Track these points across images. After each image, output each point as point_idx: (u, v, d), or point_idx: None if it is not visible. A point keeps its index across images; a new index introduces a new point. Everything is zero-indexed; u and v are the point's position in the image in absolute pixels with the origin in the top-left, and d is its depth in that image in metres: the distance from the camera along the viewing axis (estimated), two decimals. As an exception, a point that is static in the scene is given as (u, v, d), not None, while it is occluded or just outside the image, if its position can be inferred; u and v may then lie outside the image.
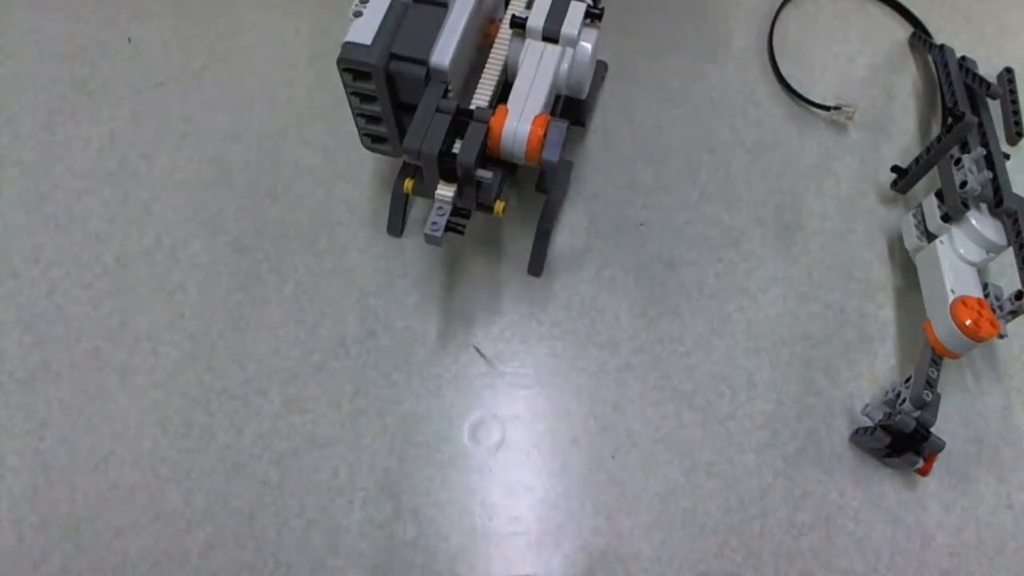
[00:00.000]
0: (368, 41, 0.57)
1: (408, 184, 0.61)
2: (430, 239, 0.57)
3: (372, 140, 0.65)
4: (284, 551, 0.62)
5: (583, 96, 0.64)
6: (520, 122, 0.56)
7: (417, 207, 0.73)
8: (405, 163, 0.70)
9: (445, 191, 0.57)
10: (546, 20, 0.60)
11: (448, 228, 0.57)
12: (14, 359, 0.67)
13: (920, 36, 0.83)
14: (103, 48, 0.80)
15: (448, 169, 0.56)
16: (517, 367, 0.68)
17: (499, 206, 0.60)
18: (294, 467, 0.64)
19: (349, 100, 0.61)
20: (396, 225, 0.72)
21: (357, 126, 0.64)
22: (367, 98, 0.60)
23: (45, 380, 0.67)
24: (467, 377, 0.68)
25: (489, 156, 0.58)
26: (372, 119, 0.62)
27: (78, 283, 0.70)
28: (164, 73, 0.80)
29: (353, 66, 0.57)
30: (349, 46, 0.57)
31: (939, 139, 0.70)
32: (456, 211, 0.58)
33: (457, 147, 0.56)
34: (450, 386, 0.67)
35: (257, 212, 0.73)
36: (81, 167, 0.75)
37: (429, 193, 0.58)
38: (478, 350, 0.69)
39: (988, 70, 0.77)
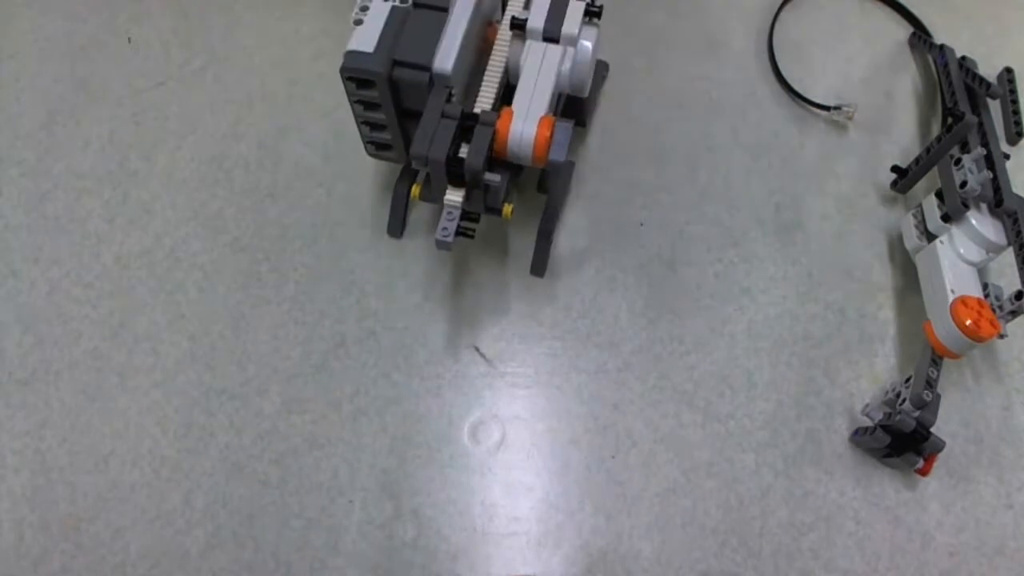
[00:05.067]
0: (371, 49, 0.57)
1: (415, 190, 0.61)
2: (441, 245, 0.57)
3: (376, 148, 0.65)
4: (284, 551, 0.62)
5: (585, 95, 0.64)
6: (526, 124, 0.56)
7: (418, 208, 0.73)
8: (406, 165, 0.70)
9: (454, 196, 0.57)
10: (546, 20, 0.60)
11: (458, 233, 0.57)
12: (14, 359, 0.67)
13: (920, 36, 0.83)
14: (103, 48, 0.80)
15: (456, 174, 0.56)
16: (517, 367, 0.68)
17: (507, 209, 0.60)
18: (294, 467, 0.64)
19: (353, 108, 0.61)
20: (396, 226, 0.72)
21: (361, 134, 0.64)
22: (371, 106, 0.60)
23: (45, 380, 0.67)
24: (467, 377, 0.68)
25: (495, 159, 0.58)
26: (376, 127, 0.62)
27: (78, 283, 0.70)
28: (164, 73, 0.79)
29: (356, 74, 0.57)
30: (352, 54, 0.57)
31: (939, 139, 0.70)
32: (465, 215, 0.58)
33: (463, 151, 0.56)
34: (450, 386, 0.67)
35: (257, 212, 0.73)
36: (81, 167, 0.75)
37: (437, 199, 0.58)
38: (478, 350, 0.69)
39: (988, 70, 0.77)
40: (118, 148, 0.76)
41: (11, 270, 0.71)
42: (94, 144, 0.76)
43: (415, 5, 0.59)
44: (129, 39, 0.81)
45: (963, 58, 0.78)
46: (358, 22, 0.59)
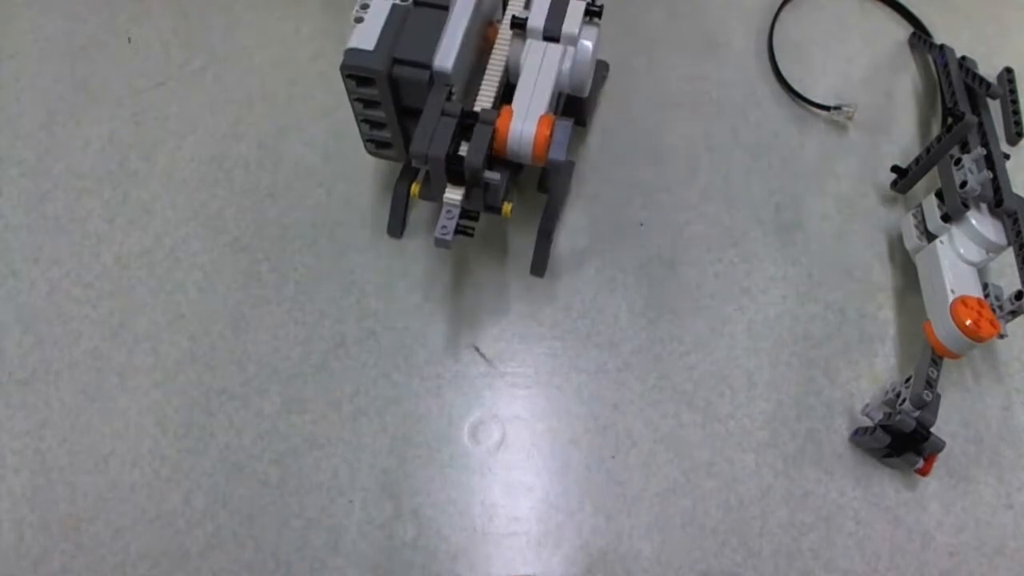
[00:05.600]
0: (371, 46, 0.57)
1: (415, 188, 0.61)
2: (440, 243, 0.56)
3: (376, 146, 0.65)
4: (284, 551, 0.62)
5: (585, 94, 0.64)
6: (526, 123, 0.56)
7: (418, 208, 0.73)
8: (406, 165, 0.70)
9: (453, 194, 0.57)
10: (546, 20, 0.60)
11: (457, 231, 0.57)
12: (14, 359, 0.67)
13: (920, 36, 0.83)
14: (103, 48, 0.80)
15: (455, 172, 0.56)
16: (517, 367, 0.68)
17: (507, 207, 0.60)
18: (294, 467, 0.64)
19: (353, 106, 0.61)
20: (396, 227, 0.72)
21: (361, 132, 0.64)
22: (371, 104, 0.60)
23: (45, 380, 0.67)
24: (467, 377, 0.68)
25: (495, 158, 0.58)
26: (376, 125, 0.62)
27: (78, 283, 0.70)
28: (164, 73, 0.79)
29: (357, 72, 0.57)
30: (352, 52, 0.57)
31: (939, 139, 0.70)
32: (464, 214, 0.58)
33: (463, 149, 0.56)
34: (450, 386, 0.67)
35: (257, 212, 0.73)
36: (81, 167, 0.75)
37: (436, 197, 0.58)
38: (478, 350, 0.69)
39: (988, 70, 0.77)
40: (118, 148, 0.76)
41: (11, 270, 0.71)
42: (94, 144, 0.76)
43: (416, 3, 0.59)
44: (129, 39, 0.81)
45: (963, 58, 0.78)
46: (359, 20, 0.59)
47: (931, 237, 0.68)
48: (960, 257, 0.65)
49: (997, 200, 0.66)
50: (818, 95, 0.80)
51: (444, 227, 0.56)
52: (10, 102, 0.78)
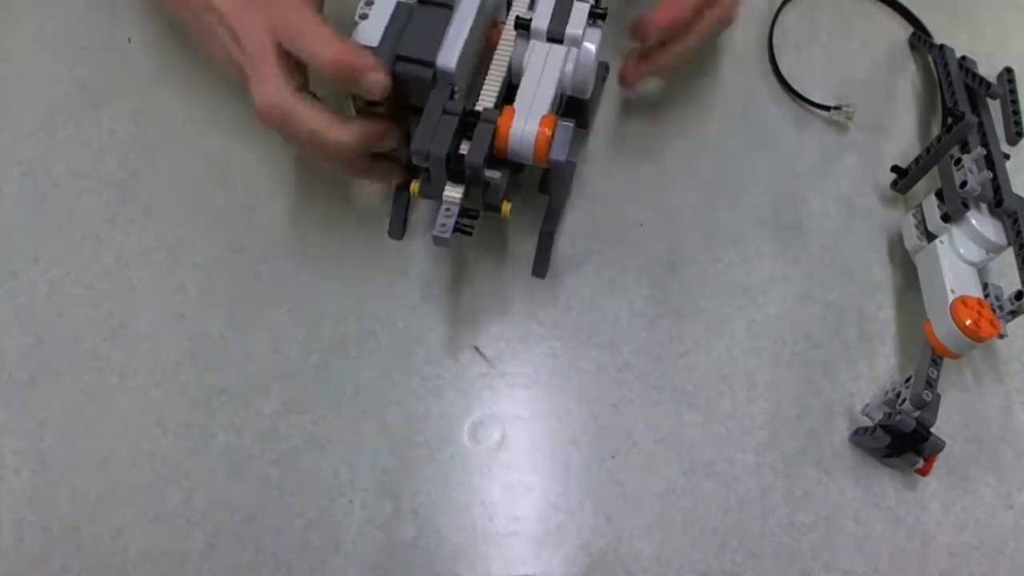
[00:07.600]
0: (375, 43, 0.57)
1: (414, 186, 0.61)
2: (438, 241, 0.57)
3: None
4: (284, 551, 0.62)
5: (587, 96, 0.64)
6: (527, 123, 0.57)
7: (418, 209, 0.73)
8: (407, 165, 0.70)
9: (453, 192, 0.57)
10: (551, 21, 0.60)
11: (456, 229, 0.57)
12: (14, 359, 0.67)
13: (920, 36, 0.83)
14: (103, 48, 0.80)
15: (456, 170, 0.57)
16: (517, 367, 0.68)
17: (506, 207, 0.60)
18: (294, 467, 0.64)
19: (354, 104, 0.61)
20: (397, 228, 0.71)
21: None
22: (373, 101, 0.60)
23: (45, 380, 0.67)
24: (467, 377, 0.68)
25: (496, 158, 0.58)
26: None
27: (78, 283, 0.70)
28: (164, 73, 0.79)
29: None
30: None
31: (939, 139, 0.70)
32: (464, 212, 0.58)
33: (464, 148, 0.56)
34: (450, 386, 0.67)
35: (257, 212, 0.73)
36: (81, 167, 0.75)
37: (436, 195, 0.58)
38: (478, 350, 0.69)
39: (988, 70, 0.77)
40: (118, 148, 0.76)
41: (11, 270, 0.70)
42: (94, 144, 0.76)
43: (420, 1, 0.59)
44: (129, 39, 0.81)
45: (963, 58, 0.78)
46: (363, 16, 0.59)
47: (931, 237, 0.68)
48: (960, 257, 0.65)
49: (997, 200, 0.66)
50: (818, 95, 0.80)
51: (443, 224, 0.56)
52: (10, 102, 0.77)
